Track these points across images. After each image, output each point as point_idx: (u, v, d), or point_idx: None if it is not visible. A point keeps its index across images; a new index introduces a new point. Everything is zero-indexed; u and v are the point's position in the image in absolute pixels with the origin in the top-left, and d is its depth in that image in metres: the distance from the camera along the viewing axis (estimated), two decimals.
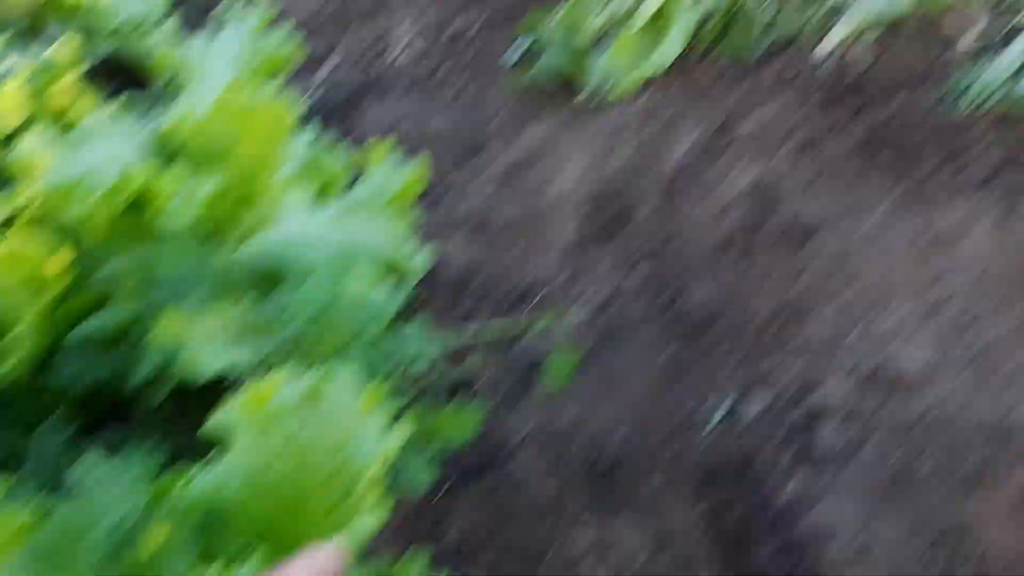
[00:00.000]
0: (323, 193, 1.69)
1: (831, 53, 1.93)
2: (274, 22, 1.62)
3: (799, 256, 1.60)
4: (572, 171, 1.87)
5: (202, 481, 0.92)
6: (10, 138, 1.63)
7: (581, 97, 2.01)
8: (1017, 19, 1.85)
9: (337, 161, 1.69)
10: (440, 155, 1.95)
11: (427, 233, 1.76)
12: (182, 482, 0.91)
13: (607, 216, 1.75)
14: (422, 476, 1.15)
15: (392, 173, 1.54)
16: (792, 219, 1.65)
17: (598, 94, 2.01)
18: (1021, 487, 1.29)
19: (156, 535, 0.87)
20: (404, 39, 2.27)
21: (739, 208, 1.71)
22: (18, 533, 0.82)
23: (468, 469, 1.41)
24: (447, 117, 2.05)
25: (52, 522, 0.87)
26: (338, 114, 2.11)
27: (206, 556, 0.87)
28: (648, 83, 2.03)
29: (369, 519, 0.93)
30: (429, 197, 1.85)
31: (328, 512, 1.00)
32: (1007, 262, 1.52)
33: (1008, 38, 1.84)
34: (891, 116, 1.77)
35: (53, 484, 1.06)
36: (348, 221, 1.49)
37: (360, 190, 1.52)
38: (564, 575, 1.26)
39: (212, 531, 0.93)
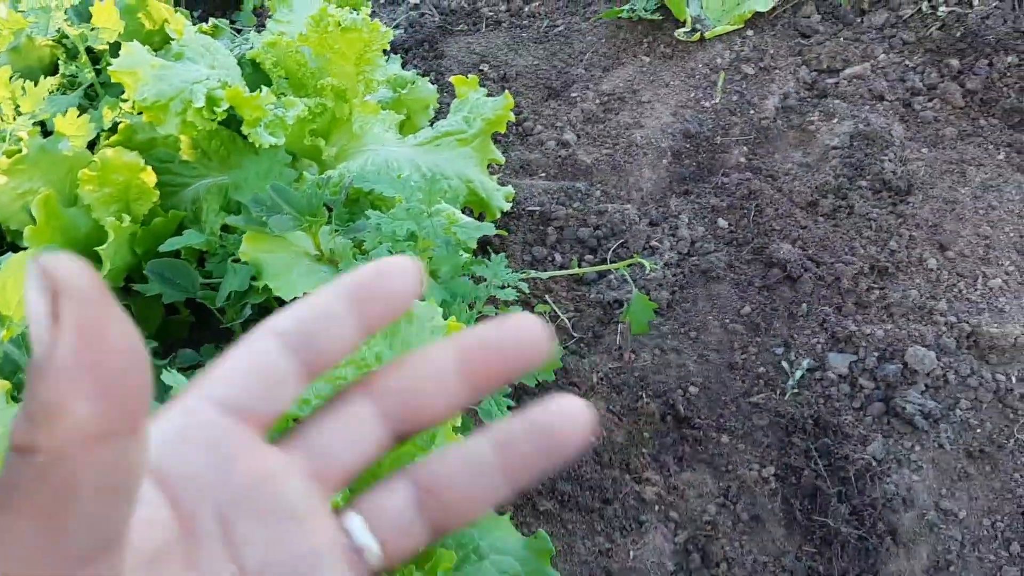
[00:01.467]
0: (410, 122, 1.68)
1: (945, 2, 1.81)
2: None
3: (895, 213, 1.53)
4: (663, 112, 1.81)
5: None
6: (104, 54, 1.66)
7: (678, 33, 1.94)
8: None
9: (424, 91, 1.67)
10: (526, 92, 1.92)
11: (511, 170, 1.75)
12: None
13: (696, 160, 1.70)
14: (497, 416, 1.15)
15: (479, 105, 1.52)
16: (891, 174, 1.57)
17: (696, 31, 1.94)
18: None
19: None
20: None
21: (835, 159, 1.64)
22: None
23: None
24: (536, 53, 2.01)
25: None
26: (424, 48, 2.08)
27: None
28: (749, 23, 1.95)
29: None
30: (515, 132, 1.83)
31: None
32: None
33: None
34: (1008, 69, 1.67)
35: None
36: (436, 149, 1.48)
37: (448, 120, 1.51)
38: (631, 519, 1.26)
39: None
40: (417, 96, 1.66)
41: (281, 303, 1.22)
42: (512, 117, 1.50)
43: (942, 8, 1.80)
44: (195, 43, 1.48)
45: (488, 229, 1.19)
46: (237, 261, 1.28)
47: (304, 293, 1.25)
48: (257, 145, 1.32)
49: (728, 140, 1.72)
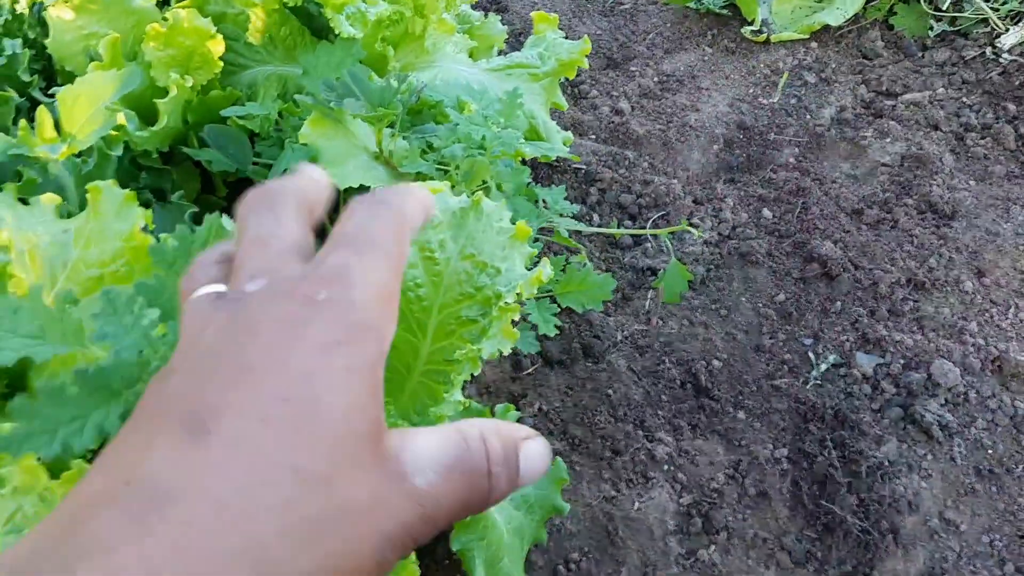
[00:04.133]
0: (478, 54, 1.66)
1: (1010, 48, 1.84)
2: None
3: (937, 234, 1.55)
4: (720, 100, 1.82)
5: None
6: None
7: (745, 30, 1.95)
8: None
9: (495, 28, 1.66)
10: (588, 57, 1.91)
11: (564, 124, 1.74)
12: None
13: (748, 151, 1.70)
14: (548, 326, 1.13)
15: (556, 45, 1.51)
16: (937, 198, 1.59)
17: (763, 32, 1.95)
18: None
19: None
20: None
21: (886, 175, 1.65)
22: None
23: (563, 354, 1.39)
24: (600, 24, 2.01)
25: None
26: (493, 5, 2.08)
27: None
28: (814, 35, 1.96)
29: (498, 342, 0.92)
30: (572, 93, 1.82)
31: (458, 328, 0.99)
32: None
33: None
34: None
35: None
36: (507, 78, 1.47)
37: (523, 53, 1.50)
38: (639, 473, 1.25)
39: None
40: (487, 32, 1.65)
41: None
42: (586, 64, 1.49)
43: (1005, 55, 1.83)
44: None
45: (561, 151, 1.18)
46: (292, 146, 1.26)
47: (359, 185, 1.22)
48: (336, 32, 1.30)
49: (781, 139, 1.72)
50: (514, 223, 1.08)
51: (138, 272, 0.90)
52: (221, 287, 0.35)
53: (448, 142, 1.18)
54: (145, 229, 0.93)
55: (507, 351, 0.91)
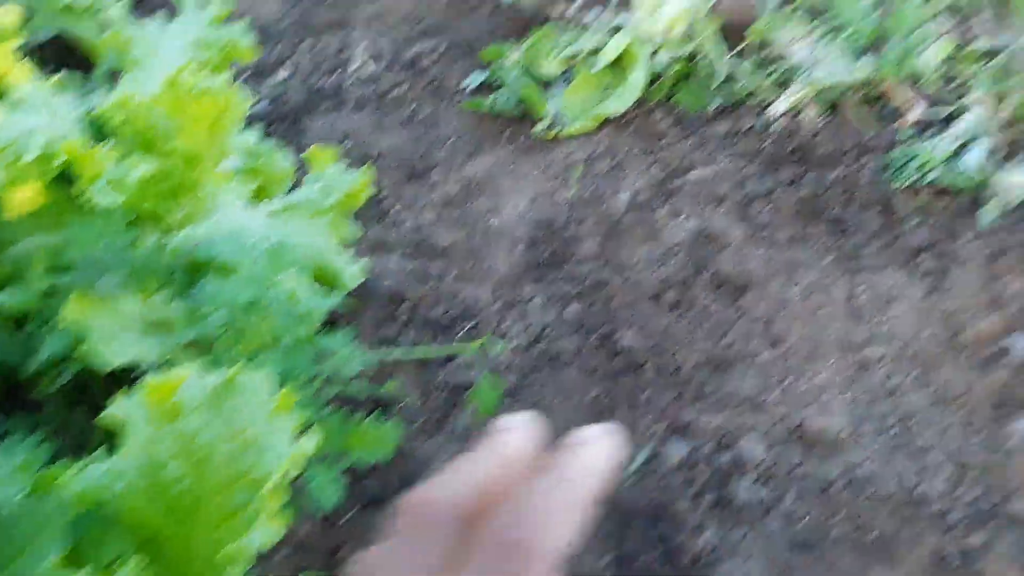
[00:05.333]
0: (263, 193, 1.64)
1: (781, 115, 1.97)
2: (231, 19, 1.59)
3: (731, 310, 1.61)
4: (519, 201, 1.86)
5: (89, 475, 0.86)
6: None
7: (536, 129, 2.01)
8: (960, 101, 1.91)
9: (280, 163, 1.65)
10: (387, 172, 1.93)
11: (365, 247, 1.73)
12: (67, 474, 0.85)
13: (548, 250, 1.74)
14: (329, 494, 1.11)
15: (336, 179, 1.51)
16: (728, 273, 1.66)
17: (553, 128, 2.01)
18: (928, 556, 1.30)
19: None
20: (362, 56, 2.25)
21: (681, 254, 1.72)
22: None
23: (377, 494, 1.36)
24: (398, 136, 2.03)
25: None
26: (286, 124, 2.07)
27: (75, 558, 0.81)
28: (604, 123, 2.04)
29: (268, 531, 0.89)
30: (371, 212, 1.82)
31: (225, 519, 0.95)
32: (930, 335, 1.56)
33: (950, 118, 1.90)
34: (833, 182, 1.81)
35: None
36: (285, 221, 1.45)
37: (302, 192, 1.49)
38: None
39: (92, 531, 0.87)
40: (272, 168, 1.64)
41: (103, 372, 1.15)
42: (369, 193, 1.50)
43: (775, 124, 1.95)
44: (36, 95, 1.41)
45: (333, 302, 1.17)
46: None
47: (133, 360, 1.17)
48: (93, 204, 1.26)
49: (581, 231, 1.77)
50: (286, 384, 1.05)
51: None
52: None
53: (218, 304, 1.15)
54: None
55: (278, 538, 0.88)
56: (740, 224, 1.77)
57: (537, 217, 1.81)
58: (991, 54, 1.99)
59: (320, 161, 1.51)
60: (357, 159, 1.95)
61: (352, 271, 1.47)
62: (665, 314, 1.61)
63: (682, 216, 1.79)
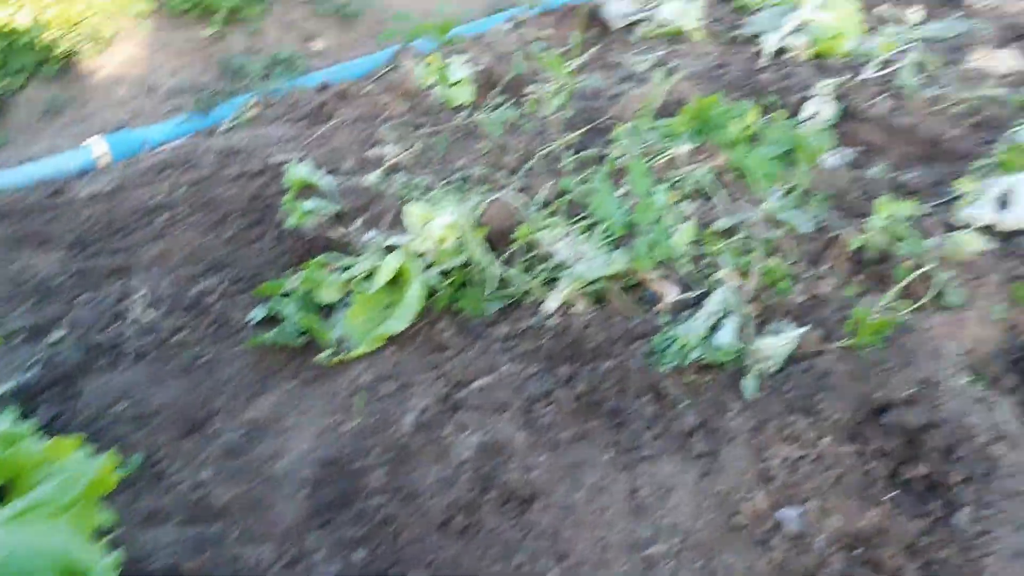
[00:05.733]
0: (20, 484, 1.54)
1: (553, 312, 2.05)
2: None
3: (519, 524, 1.60)
4: (303, 440, 1.82)
5: None
6: None
7: (320, 358, 2.01)
8: (709, 279, 2.05)
9: (34, 450, 1.56)
10: (164, 429, 1.86)
11: (137, 520, 1.64)
12: None
13: (334, 491, 1.70)
14: None
15: (81, 466, 1.44)
16: (514, 486, 1.66)
17: (339, 354, 2.01)
18: None
19: None
20: (142, 304, 2.22)
21: (469, 471, 1.71)
22: None
23: None
24: (177, 387, 1.97)
25: None
26: (59, 388, 1.99)
27: None
28: (390, 341, 2.06)
29: None
30: (144, 478, 1.74)
31: None
32: (709, 521, 1.59)
33: (704, 296, 2.03)
34: (606, 373, 1.87)
35: None
36: (25, 525, 1.36)
37: (42, 490, 1.40)
38: None
39: None
40: (24, 457, 1.55)
41: None
42: (118, 476, 1.43)
43: (550, 320, 2.03)
44: None
45: None
46: None
47: None
48: None
49: (367, 463, 1.74)
50: None
51: None
52: None
53: None
54: None
55: None
56: (524, 430, 1.79)
57: (322, 455, 1.77)
58: (731, 231, 2.17)
59: (61, 451, 1.44)
60: (131, 420, 1.88)
61: (103, 565, 1.37)
62: (454, 543, 1.58)
63: (467, 431, 1.79)
